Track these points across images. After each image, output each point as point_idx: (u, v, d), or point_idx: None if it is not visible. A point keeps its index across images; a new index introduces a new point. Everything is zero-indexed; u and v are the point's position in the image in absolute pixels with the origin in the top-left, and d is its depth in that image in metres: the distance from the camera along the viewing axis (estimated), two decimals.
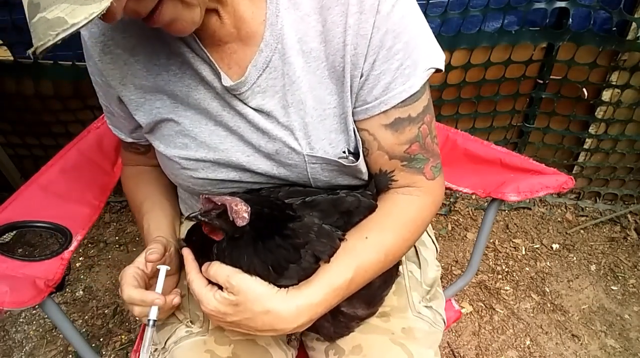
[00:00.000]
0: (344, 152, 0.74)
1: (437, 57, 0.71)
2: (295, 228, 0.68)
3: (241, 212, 0.62)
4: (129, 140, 0.88)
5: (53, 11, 0.47)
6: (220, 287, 0.67)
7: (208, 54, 0.69)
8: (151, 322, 0.70)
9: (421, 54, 0.69)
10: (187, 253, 0.73)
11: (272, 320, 0.65)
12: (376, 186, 0.79)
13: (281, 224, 0.68)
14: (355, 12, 0.64)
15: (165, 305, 0.72)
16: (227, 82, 0.69)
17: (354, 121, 0.73)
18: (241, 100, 0.71)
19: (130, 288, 0.70)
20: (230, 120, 0.73)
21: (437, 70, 0.71)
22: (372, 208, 0.76)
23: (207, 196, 0.64)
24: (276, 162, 0.75)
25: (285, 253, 0.66)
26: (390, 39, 0.66)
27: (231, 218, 0.62)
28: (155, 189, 0.92)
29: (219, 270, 0.67)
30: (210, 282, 0.69)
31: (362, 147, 0.74)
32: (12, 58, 1.62)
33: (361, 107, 0.71)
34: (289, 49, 0.67)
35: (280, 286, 0.67)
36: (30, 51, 0.48)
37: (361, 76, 0.68)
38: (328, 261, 0.68)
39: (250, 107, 0.72)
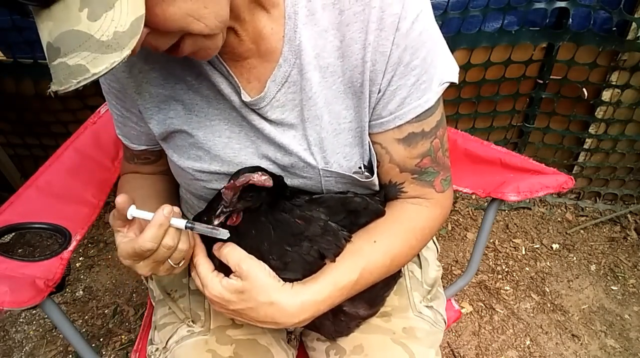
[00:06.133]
0: (360, 168, 0.74)
1: (451, 71, 0.71)
2: (300, 216, 0.69)
3: (265, 178, 0.63)
4: (142, 148, 0.86)
5: (74, 58, 0.47)
6: (227, 274, 0.67)
7: (228, 68, 0.69)
8: (187, 225, 0.63)
9: (437, 69, 0.69)
10: (197, 236, 0.72)
11: (274, 313, 0.65)
12: (386, 195, 0.79)
13: (285, 194, 0.70)
14: (375, 29, 0.64)
15: (175, 214, 0.64)
16: (246, 97, 0.69)
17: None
18: (259, 115, 0.71)
19: (142, 237, 0.62)
20: (249, 131, 0.73)
21: (452, 84, 0.71)
22: (379, 213, 0.76)
23: (225, 187, 0.64)
24: (291, 174, 0.75)
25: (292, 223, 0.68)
26: (408, 55, 0.66)
27: (264, 186, 0.63)
28: (146, 193, 0.88)
29: (231, 252, 0.66)
30: (216, 267, 0.68)
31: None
32: (11, 59, 1.62)
33: (376, 121, 0.71)
34: (306, 64, 0.67)
35: (284, 280, 0.67)
36: (51, 91, 0.50)
37: (379, 92, 0.68)
38: (334, 260, 0.69)
39: (268, 121, 0.71)
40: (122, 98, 0.78)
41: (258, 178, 0.62)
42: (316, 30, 0.66)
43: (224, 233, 0.63)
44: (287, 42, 0.66)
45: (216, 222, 0.65)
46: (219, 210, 0.64)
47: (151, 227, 0.61)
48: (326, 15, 0.65)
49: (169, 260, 0.65)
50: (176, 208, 0.65)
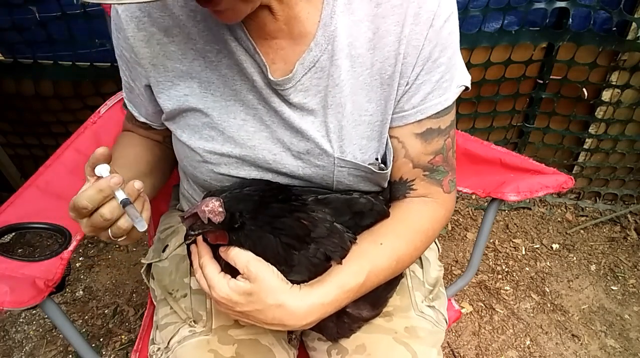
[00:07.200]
0: (376, 159, 0.75)
1: (466, 76, 0.75)
2: (306, 217, 0.68)
3: (215, 209, 0.61)
4: (142, 119, 0.85)
5: None
6: (233, 275, 0.66)
7: (255, 46, 0.68)
8: (123, 201, 0.58)
9: (457, 70, 0.73)
10: (200, 238, 0.72)
11: (282, 315, 0.65)
12: (393, 193, 0.79)
13: (277, 198, 0.68)
14: (410, 22, 0.66)
15: (130, 189, 0.60)
16: (272, 77, 0.69)
17: None
18: (281, 96, 0.71)
19: (81, 193, 0.58)
20: (264, 115, 0.73)
21: (465, 89, 0.74)
22: (383, 214, 0.77)
23: (180, 215, 0.64)
24: (304, 162, 0.75)
25: (289, 221, 0.66)
26: (437, 52, 0.68)
27: (207, 221, 0.61)
28: (140, 156, 0.86)
29: (239, 254, 0.65)
30: (222, 269, 0.68)
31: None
32: (11, 59, 1.62)
33: (397, 114, 0.72)
34: (338, 51, 0.68)
35: (291, 282, 0.67)
36: None
37: (406, 84, 0.70)
38: (340, 262, 0.69)
39: (289, 104, 0.71)
40: (130, 68, 0.77)
41: (204, 208, 0.60)
42: (352, 19, 0.67)
43: (143, 226, 0.59)
44: (322, 26, 0.67)
45: (187, 242, 0.64)
46: (187, 234, 0.63)
47: (92, 188, 0.58)
48: (363, 6, 0.67)
49: (109, 230, 0.61)
50: (138, 184, 0.60)
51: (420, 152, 0.75)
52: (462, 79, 0.74)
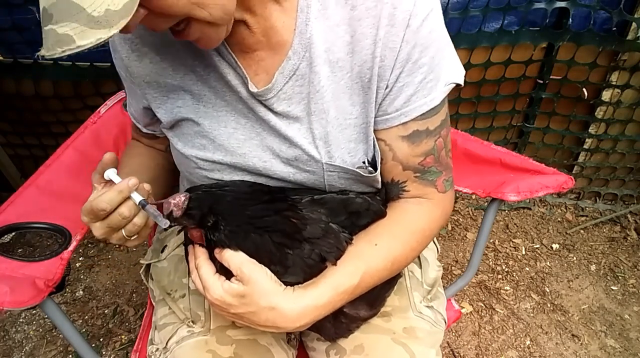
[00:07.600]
0: (364, 163, 0.75)
1: (458, 72, 0.72)
2: (293, 215, 0.68)
3: (179, 203, 0.64)
4: (144, 130, 0.88)
5: (63, 27, 0.48)
6: (227, 277, 0.67)
7: (236, 59, 0.69)
8: (142, 202, 0.63)
9: (443, 69, 0.70)
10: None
11: (275, 317, 0.65)
12: (387, 194, 0.79)
13: (261, 199, 0.70)
14: (386, 24, 0.65)
15: (142, 190, 0.65)
16: (253, 88, 0.70)
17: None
18: (265, 106, 0.71)
19: (100, 196, 0.62)
20: (255, 123, 0.74)
21: (457, 85, 0.72)
22: (380, 214, 0.76)
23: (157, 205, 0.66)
24: (294, 168, 0.75)
25: (272, 219, 0.67)
26: (417, 53, 0.67)
27: (169, 213, 0.64)
28: (143, 165, 0.89)
29: (233, 255, 0.66)
30: (217, 270, 0.68)
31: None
32: (10, 59, 1.62)
33: (381, 117, 0.72)
34: (316, 58, 0.68)
35: (285, 283, 0.67)
36: (39, 54, 0.51)
37: (386, 87, 0.69)
38: (335, 263, 0.69)
39: (274, 113, 0.72)
40: (128, 86, 0.81)
41: (171, 200, 0.64)
42: (327, 25, 0.67)
43: (165, 223, 0.63)
44: (298, 34, 0.67)
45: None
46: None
47: (111, 191, 0.62)
48: (338, 10, 0.66)
49: (123, 230, 0.65)
50: (147, 186, 0.65)
51: (408, 155, 0.74)
52: (452, 76, 0.71)
